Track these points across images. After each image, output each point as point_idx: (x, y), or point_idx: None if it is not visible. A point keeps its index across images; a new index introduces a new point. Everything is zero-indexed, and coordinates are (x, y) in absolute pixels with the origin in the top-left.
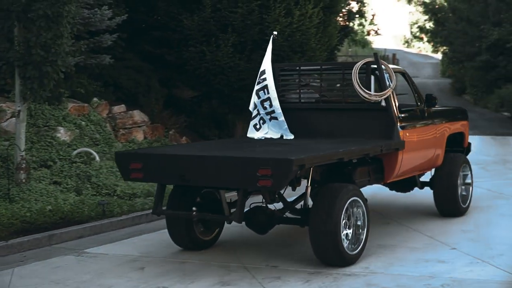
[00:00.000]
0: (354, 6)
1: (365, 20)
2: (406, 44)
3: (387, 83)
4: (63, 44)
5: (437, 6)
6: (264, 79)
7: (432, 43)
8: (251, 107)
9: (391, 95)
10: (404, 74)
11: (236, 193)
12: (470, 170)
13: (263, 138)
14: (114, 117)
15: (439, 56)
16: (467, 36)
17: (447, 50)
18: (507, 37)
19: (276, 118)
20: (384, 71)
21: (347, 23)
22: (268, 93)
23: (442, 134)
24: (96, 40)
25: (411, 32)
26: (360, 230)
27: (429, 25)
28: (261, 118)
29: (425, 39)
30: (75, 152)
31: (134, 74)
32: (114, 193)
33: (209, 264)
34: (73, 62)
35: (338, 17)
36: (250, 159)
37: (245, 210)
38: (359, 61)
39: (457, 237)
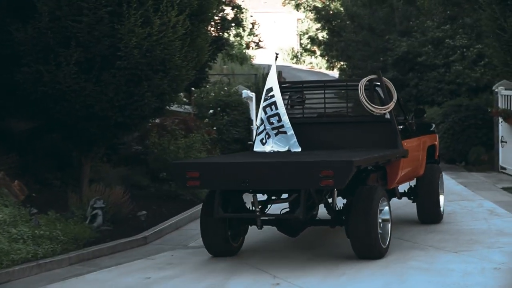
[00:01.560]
0: (229, 13)
1: (244, 30)
2: (295, 59)
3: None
4: None
5: (331, 12)
6: (272, 96)
7: (326, 58)
8: (258, 122)
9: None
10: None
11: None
12: (442, 180)
13: (272, 151)
14: None
15: (335, 73)
16: (369, 49)
17: (345, 66)
18: (418, 49)
19: (285, 132)
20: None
21: (220, 33)
22: (277, 109)
23: (424, 146)
24: None
25: (301, 44)
26: (386, 225)
27: (323, 35)
28: (267, 133)
29: (318, 52)
30: None
31: None
32: None
33: None
34: None
35: (209, 27)
36: (314, 163)
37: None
38: (362, 79)
39: None
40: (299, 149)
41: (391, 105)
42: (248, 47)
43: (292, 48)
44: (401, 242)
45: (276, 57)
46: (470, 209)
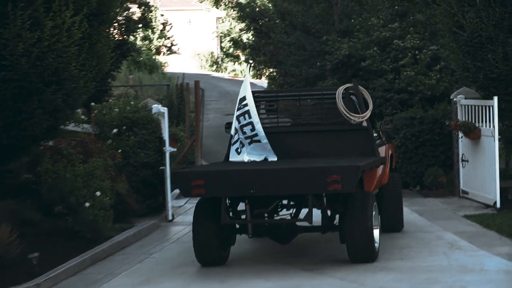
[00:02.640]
0: (136, 11)
1: (153, 32)
2: (215, 66)
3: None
4: None
5: (258, 9)
6: (245, 105)
7: (252, 64)
8: (232, 131)
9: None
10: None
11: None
12: None
13: (250, 161)
14: None
15: (264, 82)
16: (303, 52)
17: (275, 73)
18: (361, 52)
19: (259, 141)
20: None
21: (125, 36)
22: (250, 118)
23: (387, 154)
24: None
25: (222, 48)
26: (376, 230)
27: (248, 37)
28: (241, 142)
29: (243, 57)
30: None
31: None
32: None
33: None
34: None
35: (112, 29)
36: (322, 168)
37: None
38: (340, 87)
39: None
40: (275, 158)
41: (368, 113)
42: (158, 52)
43: (212, 53)
44: (346, 284)
45: (250, 66)
46: (427, 242)
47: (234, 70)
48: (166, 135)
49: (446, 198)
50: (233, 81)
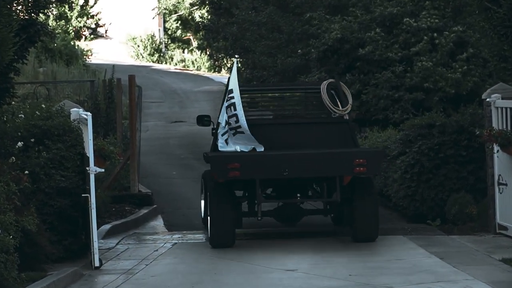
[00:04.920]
0: None
1: (71, 9)
2: (157, 55)
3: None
4: None
5: None
6: (232, 97)
7: (208, 52)
8: (222, 122)
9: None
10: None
11: None
12: None
13: (239, 150)
14: None
15: (223, 76)
16: (279, 36)
17: (239, 65)
18: (359, 34)
19: (242, 132)
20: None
21: (33, 15)
22: (235, 110)
23: None
24: None
25: (166, 30)
26: None
27: (202, 14)
28: (227, 133)
29: (195, 43)
30: None
31: None
32: None
33: None
34: None
35: (15, 4)
36: (349, 152)
37: (275, 207)
38: (324, 82)
39: None
40: (262, 148)
41: (349, 107)
42: (79, 36)
43: (152, 37)
44: None
45: (237, 61)
46: None
47: (183, 61)
48: (90, 151)
49: (477, 235)
50: (181, 75)
